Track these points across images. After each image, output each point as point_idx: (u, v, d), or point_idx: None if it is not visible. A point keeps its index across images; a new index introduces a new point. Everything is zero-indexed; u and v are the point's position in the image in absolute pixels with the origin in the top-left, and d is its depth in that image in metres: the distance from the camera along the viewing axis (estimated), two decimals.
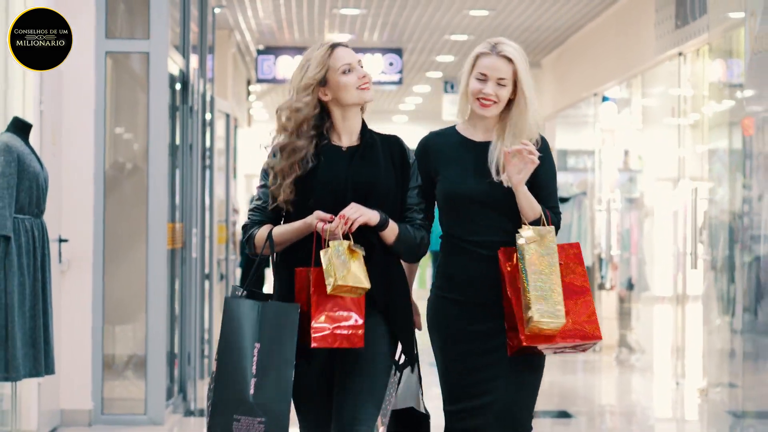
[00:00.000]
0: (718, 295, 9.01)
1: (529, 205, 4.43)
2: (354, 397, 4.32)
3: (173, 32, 9.41)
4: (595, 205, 14.10)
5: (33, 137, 6.87)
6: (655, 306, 12.56)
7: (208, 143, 10.87)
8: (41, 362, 6.53)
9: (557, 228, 4.49)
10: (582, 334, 4.35)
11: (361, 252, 4.23)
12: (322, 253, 4.23)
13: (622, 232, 13.42)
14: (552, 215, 4.51)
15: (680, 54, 10.75)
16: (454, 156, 4.53)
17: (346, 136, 4.44)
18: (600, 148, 14.53)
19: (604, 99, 14.52)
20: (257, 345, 4.23)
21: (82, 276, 8.28)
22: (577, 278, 4.42)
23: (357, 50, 16.18)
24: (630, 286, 13.05)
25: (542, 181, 4.52)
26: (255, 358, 4.22)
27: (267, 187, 4.41)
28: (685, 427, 9.54)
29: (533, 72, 4.84)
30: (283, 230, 4.37)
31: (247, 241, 4.42)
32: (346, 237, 4.25)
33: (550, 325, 4.27)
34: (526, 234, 4.37)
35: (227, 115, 13.44)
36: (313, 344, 4.23)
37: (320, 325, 4.23)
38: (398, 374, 4.47)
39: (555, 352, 4.41)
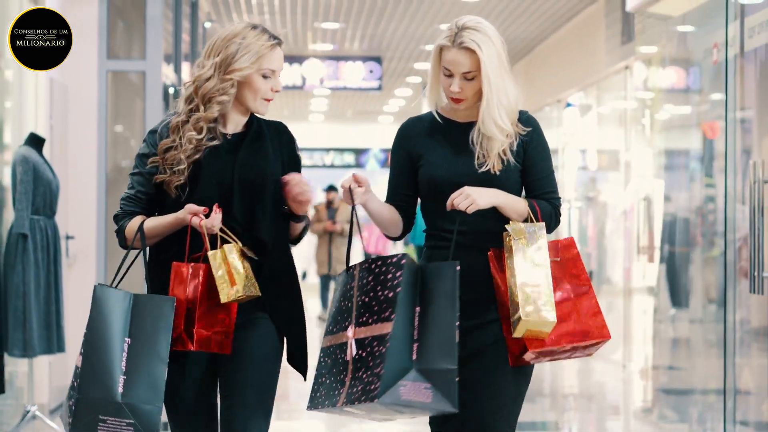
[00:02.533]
0: (671, 287, 9.55)
1: (511, 210, 4.02)
2: (244, 411, 3.99)
3: (166, 41, 10.46)
4: None
5: (44, 147, 7.94)
6: (610, 298, 13.53)
7: None
8: (54, 342, 7.62)
9: (557, 216, 4.10)
10: (586, 332, 3.94)
11: (249, 254, 3.94)
12: (210, 256, 3.87)
13: (581, 229, 14.47)
14: (545, 205, 4.07)
15: (626, 67, 11.85)
16: (436, 139, 4.08)
17: (232, 124, 4.06)
18: (563, 150, 15.58)
19: (568, 105, 15.63)
20: (127, 340, 3.82)
21: (87, 269, 9.32)
22: (576, 274, 4.01)
23: (339, 59, 17.31)
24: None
25: (532, 165, 4.09)
26: (125, 354, 3.80)
27: (142, 174, 4.00)
28: (630, 403, 10.56)
29: None
30: (155, 223, 3.97)
31: (118, 232, 4.04)
32: (233, 236, 3.94)
33: (538, 327, 3.88)
34: (512, 229, 3.96)
35: None
36: (196, 347, 3.88)
37: (202, 327, 3.90)
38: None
39: (556, 359, 4.01)
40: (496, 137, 4.00)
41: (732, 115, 7.25)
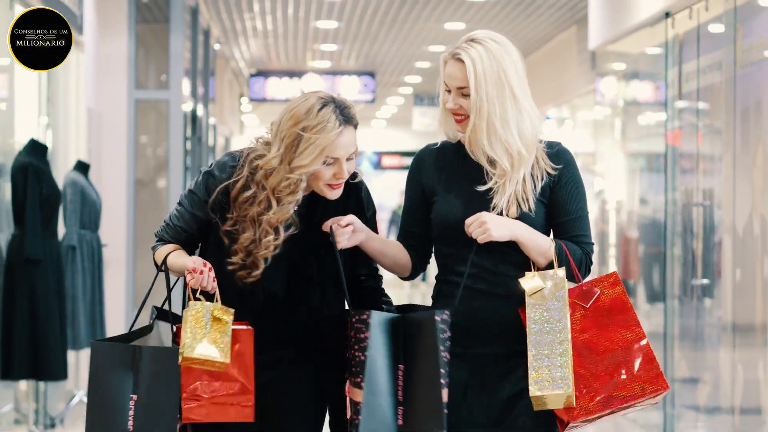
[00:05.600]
0: (646, 284, 10.15)
1: (534, 248, 3.45)
2: None
3: (184, 67, 11.81)
4: None
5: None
6: None
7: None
8: (98, 336, 8.94)
9: (587, 263, 3.50)
10: (640, 392, 3.35)
11: (227, 318, 3.45)
12: (184, 311, 3.48)
13: None
14: (575, 249, 3.48)
15: (594, 90, 13.23)
16: (454, 173, 3.55)
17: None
18: None
19: (547, 118, 17.08)
20: (133, 397, 3.47)
21: (119, 273, 10.63)
22: (623, 318, 3.40)
23: (334, 74, 18.74)
24: None
25: (561, 205, 3.50)
26: (131, 413, 3.46)
27: (188, 212, 3.65)
28: None
29: None
30: (175, 260, 3.63)
31: (153, 250, 3.74)
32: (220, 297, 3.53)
33: (551, 404, 3.34)
34: (526, 284, 3.41)
35: (226, 138, 16.02)
36: (186, 421, 3.46)
37: (191, 396, 3.47)
38: None
39: (616, 414, 3.42)
40: (501, 163, 3.46)
41: (670, 147, 8.67)
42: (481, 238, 3.40)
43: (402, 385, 3.41)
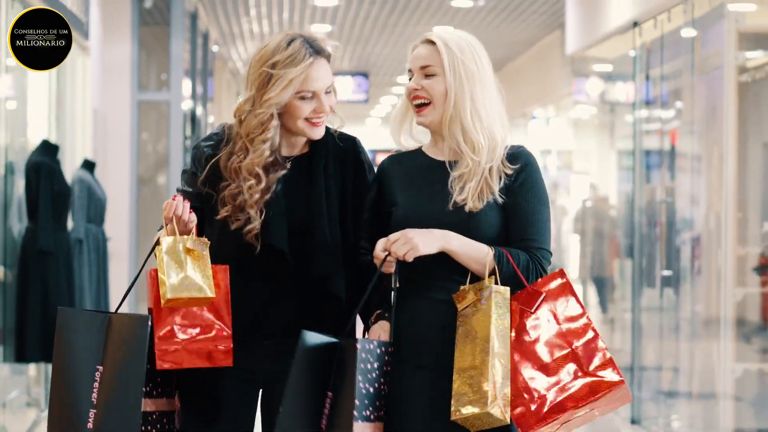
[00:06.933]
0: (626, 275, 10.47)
1: (469, 260, 3.22)
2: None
3: (184, 68, 12.33)
4: None
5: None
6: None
7: None
8: None
9: (536, 271, 3.23)
10: (597, 385, 3.13)
11: (202, 250, 3.24)
12: (156, 250, 3.24)
13: None
14: (521, 255, 3.23)
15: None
16: (412, 181, 3.37)
17: (288, 146, 3.50)
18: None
19: (533, 117, 17.68)
20: (99, 368, 3.26)
21: (122, 265, 11.13)
22: (573, 318, 3.18)
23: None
24: None
25: (515, 205, 3.28)
26: (96, 385, 3.25)
27: (187, 193, 3.49)
28: None
29: None
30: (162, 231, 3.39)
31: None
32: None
33: (480, 426, 3.09)
34: (456, 297, 3.20)
35: None
36: (159, 364, 3.26)
37: (166, 338, 3.27)
38: None
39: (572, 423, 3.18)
40: (465, 154, 3.27)
41: (639, 146, 9.27)
42: (407, 255, 3.19)
43: (328, 414, 3.17)
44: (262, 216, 3.39)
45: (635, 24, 9.18)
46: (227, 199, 3.40)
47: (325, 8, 14.11)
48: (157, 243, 3.28)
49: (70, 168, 9.50)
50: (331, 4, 13.84)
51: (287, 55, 3.33)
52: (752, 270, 7.99)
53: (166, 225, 3.28)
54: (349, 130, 3.57)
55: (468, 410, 3.05)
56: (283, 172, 3.42)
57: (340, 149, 3.49)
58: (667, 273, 8.60)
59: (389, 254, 3.21)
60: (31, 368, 8.76)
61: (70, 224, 8.97)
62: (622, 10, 9.42)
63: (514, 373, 3.15)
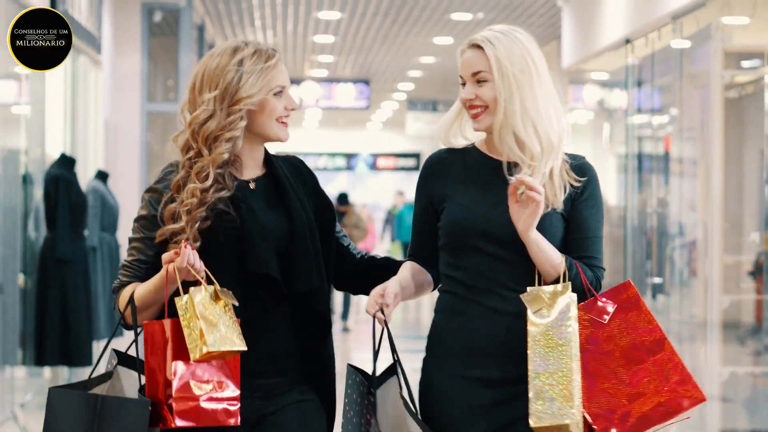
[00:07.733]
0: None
1: (544, 258, 3.12)
2: None
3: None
4: None
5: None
6: None
7: None
8: (114, 325, 9.79)
9: (597, 288, 3.16)
10: (677, 404, 3.08)
11: (229, 300, 3.06)
12: (177, 303, 3.03)
13: None
14: (587, 271, 3.17)
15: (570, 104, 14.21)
16: (468, 178, 3.24)
17: (249, 166, 3.30)
18: None
19: None
20: None
21: None
22: (644, 333, 3.10)
23: (331, 81, 19.86)
24: None
25: (578, 221, 3.20)
26: None
27: (141, 240, 3.21)
28: None
29: None
30: (143, 290, 3.16)
31: (114, 307, 3.27)
32: (209, 281, 3.08)
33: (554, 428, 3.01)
34: (527, 298, 3.09)
35: None
36: (178, 422, 3.01)
37: (182, 394, 3.03)
38: None
39: None
40: (523, 163, 3.14)
41: (631, 152, 9.64)
42: (524, 220, 3.09)
43: None
44: (196, 226, 3.15)
45: (627, 41, 9.57)
46: (166, 218, 3.18)
47: (329, 20, 14.48)
48: (176, 294, 3.05)
49: (83, 178, 9.83)
50: (335, 17, 14.22)
51: (252, 52, 3.20)
52: (747, 274, 8.37)
53: (171, 273, 3.06)
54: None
55: (549, 419, 3.00)
56: (226, 193, 3.18)
57: (290, 164, 3.34)
58: (657, 280, 8.95)
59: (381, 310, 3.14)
60: (47, 371, 9.08)
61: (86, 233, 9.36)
62: (616, 28, 9.81)
63: (593, 384, 3.09)
